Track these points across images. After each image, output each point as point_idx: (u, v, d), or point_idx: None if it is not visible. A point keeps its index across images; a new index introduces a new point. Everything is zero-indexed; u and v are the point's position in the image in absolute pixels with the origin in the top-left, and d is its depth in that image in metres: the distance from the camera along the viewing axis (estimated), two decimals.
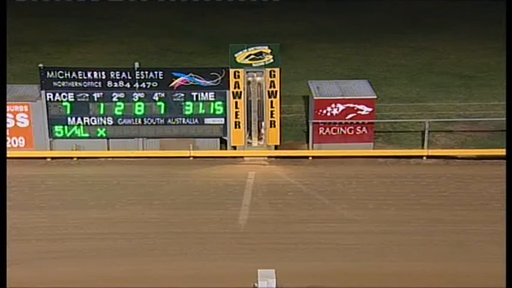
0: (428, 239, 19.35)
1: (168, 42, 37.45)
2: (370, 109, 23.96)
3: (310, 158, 24.19)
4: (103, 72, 23.57)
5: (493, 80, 31.14)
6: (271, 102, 23.78)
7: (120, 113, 23.85)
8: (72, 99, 23.67)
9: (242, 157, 24.27)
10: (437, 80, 31.67)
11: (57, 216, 20.51)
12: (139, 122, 23.94)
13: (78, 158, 24.08)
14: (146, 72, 23.61)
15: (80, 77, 23.50)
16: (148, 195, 21.86)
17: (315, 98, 24.11)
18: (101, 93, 23.65)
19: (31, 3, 44.40)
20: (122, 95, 23.74)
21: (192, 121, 23.95)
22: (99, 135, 24.01)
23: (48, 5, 44.47)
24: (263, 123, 24.07)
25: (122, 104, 23.78)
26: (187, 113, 23.86)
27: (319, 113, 23.99)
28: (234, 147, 24.27)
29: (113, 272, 17.80)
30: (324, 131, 24.13)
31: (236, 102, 23.72)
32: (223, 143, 24.33)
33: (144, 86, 23.65)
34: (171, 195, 21.87)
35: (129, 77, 23.58)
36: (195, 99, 23.77)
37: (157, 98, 23.76)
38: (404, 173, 23.26)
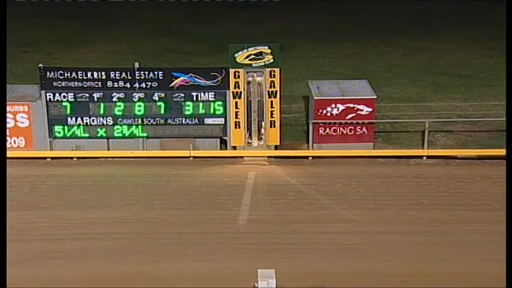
0: (428, 239, 19.35)
1: (168, 42, 37.47)
2: (370, 109, 23.96)
3: (310, 158, 24.19)
4: (103, 72, 23.58)
5: (493, 80, 31.14)
6: (271, 102, 23.78)
7: (120, 113, 23.85)
8: (72, 99, 23.67)
9: (242, 157, 24.27)
10: (437, 80, 31.68)
11: (57, 216, 20.51)
12: (140, 122, 23.94)
13: (78, 158, 24.08)
14: (146, 72, 23.62)
15: (80, 77, 23.51)
16: (148, 195, 21.86)
17: (315, 98, 24.11)
18: (101, 93, 23.65)
19: (31, 3, 44.41)
20: (122, 95, 23.74)
21: (192, 121, 23.95)
22: (99, 135, 24.01)
23: (48, 5, 44.48)
24: (263, 123, 24.07)
25: (121, 104, 23.78)
26: (187, 113, 23.86)
27: (319, 113, 23.99)
28: (234, 147, 24.27)
29: (113, 272, 17.79)
30: (324, 131, 24.14)
31: (236, 102, 23.72)
32: (223, 143, 24.32)
33: (144, 86, 23.66)
34: (171, 195, 21.87)
35: (129, 77, 23.59)
36: (195, 99, 23.77)
37: (157, 98, 23.76)
38: (404, 173, 23.26)
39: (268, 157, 24.29)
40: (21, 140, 23.97)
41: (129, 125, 23.97)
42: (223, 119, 23.97)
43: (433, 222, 20.17)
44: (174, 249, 18.85)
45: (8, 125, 23.60)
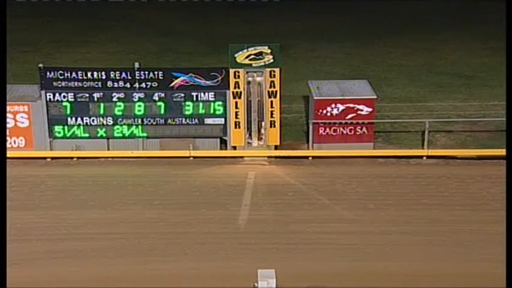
0: (428, 239, 19.35)
1: (168, 42, 37.47)
2: (370, 109, 23.96)
3: (310, 158, 24.19)
4: (103, 72, 23.58)
5: (493, 80, 31.15)
6: (271, 102, 23.78)
7: (120, 113, 23.85)
8: (72, 99, 23.67)
9: (242, 157, 24.27)
10: (437, 80, 31.68)
11: (57, 216, 20.51)
12: (139, 122, 23.94)
13: (78, 158, 24.08)
14: (146, 72, 23.62)
15: (80, 77, 23.51)
16: (148, 195, 21.86)
17: (315, 98, 24.11)
18: (101, 93, 23.65)
19: (31, 3, 44.43)
20: (122, 95, 23.74)
21: (192, 121, 23.95)
22: (99, 135, 24.01)
23: (48, 5, 44.51)
24: (263, 123, 24.08)
25: (122, 104, 23.78)
26: (187, 113, 23.86)
27: (319, 113, 23.99)
28: (234, 147, 24.27)
29: (112, 272, 17.79)
30: (324, 131, 24.13)
31: (236, 102, 23.73)
32: (223, 143, 24.32)
33: (144, 86, 23.66)
34: (171, 195, 21.87)
35: (129, 77, 23.59)
36: (195, 99, 23.78)
37: (157, 98, 23.76)
38: (404, 173, 23.26)
39: (268, 157, 24.29)
40: (21, 140, 23.97)
41: (129, 125, 23.97)
42: (223, 119, 23.97)
43: (433, 222, 20.17)
44: (174, 249, 18.85)
45: (8, 125, 23.59)
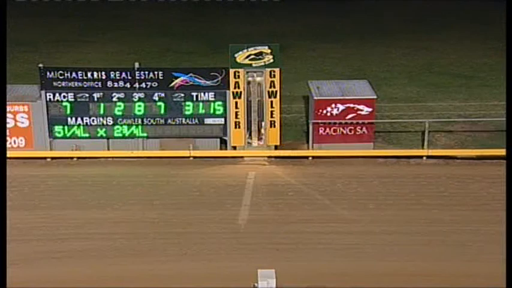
0: (428, 239, 19.35)
1: (168, 42, 37.47)
2: (370, 109, 23.96)
3: (310, 158, 24.19)
4: (103, 72, 23.58)
5: (493, 80, 31.14)
6: (271, 102, 23.78)
7: (120, 113, 23.85)
8: (72, 99, 23.68)
9: (242, 157, 24.27)
10: (437, 80, 31.68)
11: (57, 216, 20.52)
12: (140, 122, 23.94)
13: (78, 158, 24.08)
14: (146, 72, 23.62)
15: (80, 77, 23.51)
16: (148, 195, 21.87)
17: (315, 98, 24.12)
18: (101, 93, 23.65)
19: (31, 3, 44.42)
20: (122, 95, 23.75)
21: (192, 121, 23.96)
22: (99, 135, 24.01)
23: (48, 5, 44.48)
24: (263, 123, 24.08)
25: (122, 104, 23.79)
26: (187, 113, 23.86)
27: (319, 113, 23.99)
28: (234, 147, 24.27)
29: (113, 272, 17.80)
30: (324, 131, 24.13)
31: (236, 102, 23.73)
32: (223, 143, 24.33)
33: (144, 86, 23.66)
34: (171, 195, 21.88)
35: (129, 77, 23.59)
36: (195, 99, 23.78)
37: (157, 98, 23.76)
38: (404, 173, 23.26)
39: (268, 157, 24.29)
40: (21, 140, 23.97)
41: (129, 125, 23.98)
42: (223, 119, 23.97)
43: (433, 222, 20.18)
44: (173, 249, 18.86)
45: (8, 125, 23.60)
